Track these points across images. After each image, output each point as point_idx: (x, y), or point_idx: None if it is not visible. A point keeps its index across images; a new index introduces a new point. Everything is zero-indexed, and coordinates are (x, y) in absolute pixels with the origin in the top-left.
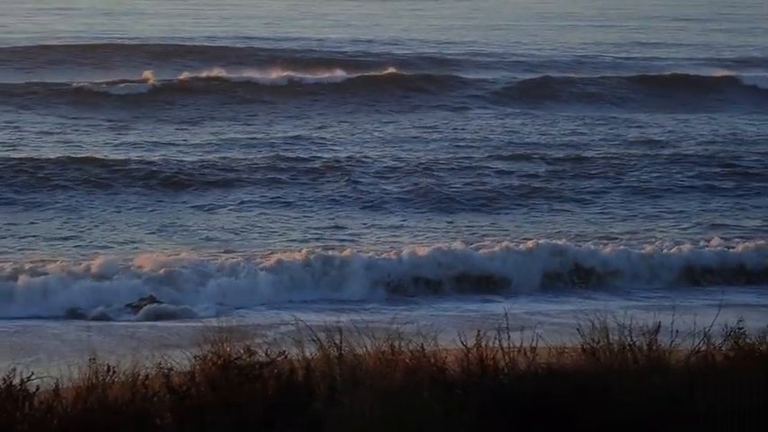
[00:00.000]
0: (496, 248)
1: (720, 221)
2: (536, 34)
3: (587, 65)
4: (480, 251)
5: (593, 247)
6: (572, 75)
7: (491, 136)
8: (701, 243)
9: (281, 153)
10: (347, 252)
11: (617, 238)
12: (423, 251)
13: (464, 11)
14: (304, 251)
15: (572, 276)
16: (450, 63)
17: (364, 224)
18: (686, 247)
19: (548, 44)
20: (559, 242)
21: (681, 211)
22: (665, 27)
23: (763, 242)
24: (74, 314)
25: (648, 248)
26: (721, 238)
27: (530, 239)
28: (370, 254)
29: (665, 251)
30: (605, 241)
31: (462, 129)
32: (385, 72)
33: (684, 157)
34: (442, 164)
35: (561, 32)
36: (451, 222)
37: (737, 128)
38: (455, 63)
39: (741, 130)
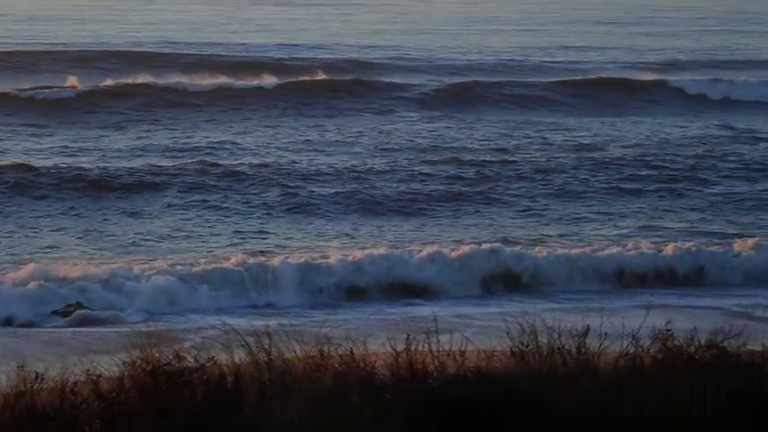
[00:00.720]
0: (425, 253)
1: (648, 224)
2: (462, 38)
3: (513, 68)
4: (409, 255)
5: (521, 250)
6: (499, 78)
7: (418, 140)
8: (630, 245)
9: (208, 158)
10: (275, 257)
11: (545, 241)
12: (352, 256)
13: (390, 15)
14: (232, 257)
15: (501, 280)
16: (376, 67)
17: (292, 229)
18: (615, 249)
19: (474, 48)
20: (488, 245)
21: (608, 214)
22: (589, 31)
23: (690, 244)
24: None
25: (576, 251)
26: (649, 240)
27: (458, 243)
28: (299, 259)
29: (593, 254)
30: (533, 244)
31: (389, 133)
32: (312, 77)
33: (612, 160)
34: (370, 168)
35: (486, 36)
36: (380, 227)
37: (665, 131)
38: (382, 67)
39: (668, 133)
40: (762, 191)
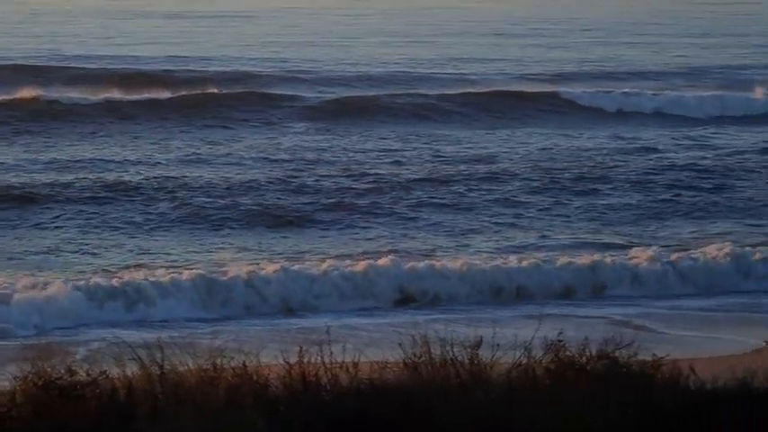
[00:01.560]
0: (323, 266)
1: (540, 235)
2: (351, 50)
3: (404, 80)
4: (302, 268)
5: (412, 263)
6: (390, 90)
7: (309, 152)
8: (520, 257)
9: (97, 171)
10: (166, 270)
11: (437, 254)
12: (245, 270)
13: (279, 27)
14: (123, 270)
15: (394, 292)
16: (267, 79)
17: (183, 242)
18: (509, 260)
19: (363, 60)
20: (385, 259)
21: (501, 224)
22: (478, 43)
23: (583, 255)
24: None
25: (460, 263)
26: (541, 252)
27: (350, 256)
28: (191, 272)
29: (484, 266)
30: (425, 256)
31: (280, 145)
32: (202, 89)
33: (504, 172)
34: (262, 180)
35: (375, 48)
36: (273, 238)
37: (556, 142)
38: (272, 79)
39: (559, 145)
40: (652, 201)
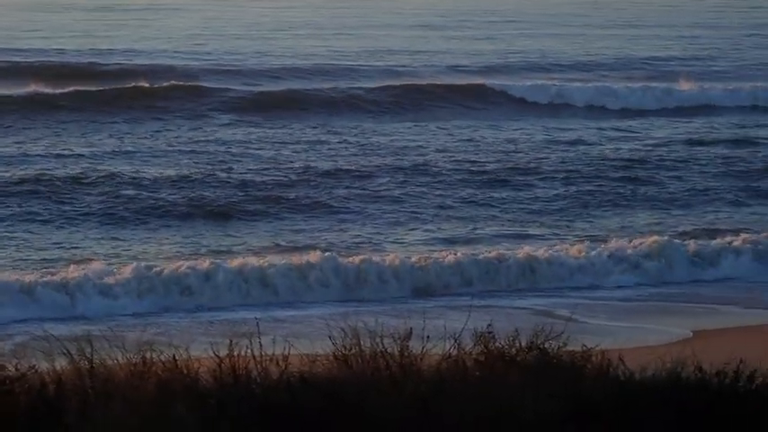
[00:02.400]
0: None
1: (466, 228)
2: (277, 43)
3: (330, 73)
4: (236, 262)
5: (340, 255)
6: (317, 83)
7: (235, 145)
8: (448, 249)
9: (21, 166)
10: (94, 264)
11: (360, 246)
12: (176, 264)
13: (202, 20)
14: (50, 266)
15: (323, 285)
16: (192, 72)
17: (111, 237)
18: (440, 254)
19: (289, 52)
20: (316, 254)
21: (428, 216)
22: (405, 35)
23: (508, 247)
24: None
25: (392, 258)
26: (468, 245)
27: (279, 247)
28: (121, 266)
29: (414, 260)
30: (352, 249)
31: (205, 140)
32: (128, 83)
33: (430, 165)
34: (188, 174)
35: (301, 41)
36: (201, 233)
37: (484, 134)
38: (197, 72)
39: (487, 137)
40: (578, 192)
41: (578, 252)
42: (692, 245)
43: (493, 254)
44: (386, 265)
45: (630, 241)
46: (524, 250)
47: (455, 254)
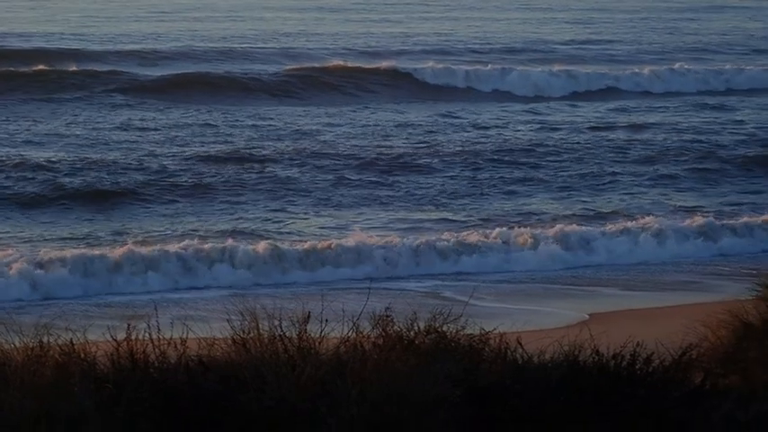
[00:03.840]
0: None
1: (364, 213)
2: (173, 26)
3: (227, 56)
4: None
5: (237, 240)
6: (215, 67)
7: (128, 131)
8: (345, 235)
9: None
10: None
11: (252, 232)
12: (78, 250)
13: (97, 3)
14: None
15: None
16: (86, 56)
17: (14, 223)
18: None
19: (186, 36)
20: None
21: (323, 202)
22: (304, 18)
23: (406, 233)
24: None
25: (289, 243)
26: (365, 231)
27: (167, 230)
28: (15, 252)
29: (310, 244)
30: (241, 235)
31: (100, 124)
32: (20, 68)
33: (335, 151)
34: (83, 159)
35: (198, 24)
36: (97, 217)
37: (393, 119)
38: (91, 56)
39: (390, 121)
40: (477, 179)
41: (474, 237)
42: (588, 229)
43: (389, 238)
44: (284, 249)
45: (527, 226)
46: (424, 238)
47: (351, 238)
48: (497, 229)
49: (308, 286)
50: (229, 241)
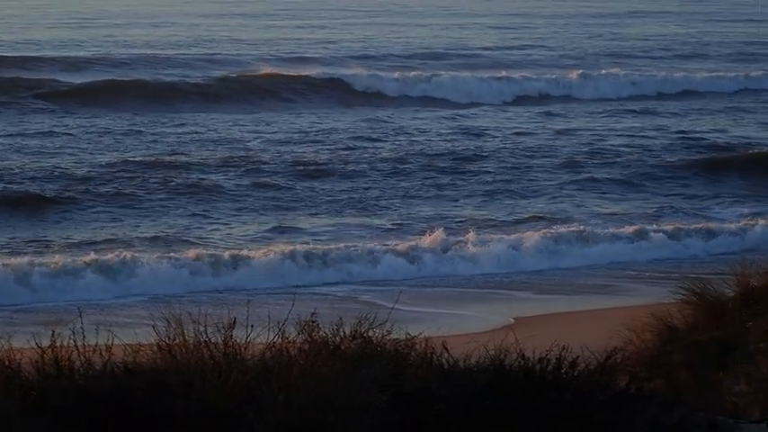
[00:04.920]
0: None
1: (284, 217)
2: (93, 32)
3: (160, 63)
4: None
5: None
6: (139, 74)
7: (49, 138)
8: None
9: None
10: None
11: (175, 239)
12: None
13: (17, 10)
14: None
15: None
16: (12, 63)
17: None
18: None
19: (110, 42)
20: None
21: (241, 210)
22: (228, 24)
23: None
24: None
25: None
26: (289, 235)
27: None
28: None
29: (231, 252)
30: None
31: (20, 131)
32: None
33: (257, 158)
34: (4, 169)
35: (120, 30)
36: (13, 225)
37: (320, 125)
38: (17, 63)
39: (323, 127)
40: (402, 185)
41: (401, 242)
42: (511, 235)
43: (310, 245)
44: (207, 256)
45: (448, 233)
46: (341, 245)
47: (275, 246)
48: (427, 235)
49: (232, 292)
50: (152, 249)
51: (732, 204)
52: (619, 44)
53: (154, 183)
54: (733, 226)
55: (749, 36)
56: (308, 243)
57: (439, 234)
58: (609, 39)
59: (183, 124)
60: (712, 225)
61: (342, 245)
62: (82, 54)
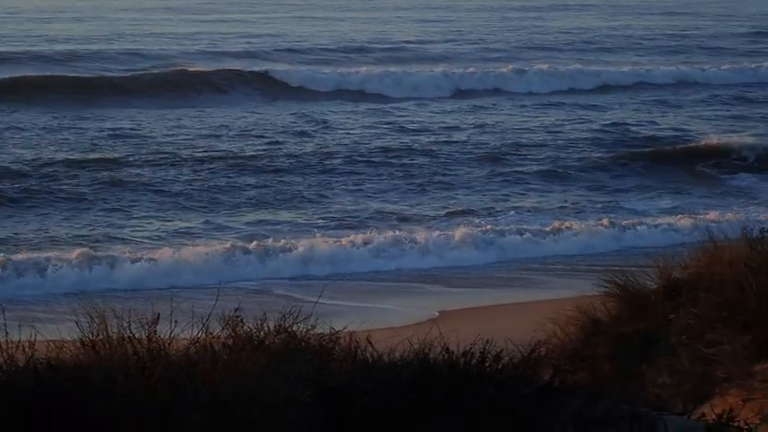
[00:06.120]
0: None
1: (209, 219)
2: (19, 28)
3: (83, 58)
4: None
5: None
6: (60, 70)
7: None
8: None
9: None
10: None
11: (95, 236)
12: None
13: None
14: None
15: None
16: None
17: None
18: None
19: (32, 38)
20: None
21: (163, 208)
22: (157, 18)
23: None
24: None
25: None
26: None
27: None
28: None
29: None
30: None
31: None
32: None
33: (180, 152)
34: None
35: (46, 25)
36: None
37: (246, 120)
38: None
39: (249, 122)
40: (328, 180)
41: (329, 240)
42: (432, 229)
43: (237, 241)
44: (130, 254)
45: (372, 227)
46: (271, 237)
47: (202, 241)
48: (353, 229)
49: (157, 289)
50: (73, 246)
51: (654, 198)
52: (542, 37)
53: (76, 179)
54: (656, 220)
55: (671, 29)
56: (233, 238)
57: (368, 231)
58: (532, 32)
59: (105, 120)
60: (635, 218)
61: (268, 240)
62: (2, 49)
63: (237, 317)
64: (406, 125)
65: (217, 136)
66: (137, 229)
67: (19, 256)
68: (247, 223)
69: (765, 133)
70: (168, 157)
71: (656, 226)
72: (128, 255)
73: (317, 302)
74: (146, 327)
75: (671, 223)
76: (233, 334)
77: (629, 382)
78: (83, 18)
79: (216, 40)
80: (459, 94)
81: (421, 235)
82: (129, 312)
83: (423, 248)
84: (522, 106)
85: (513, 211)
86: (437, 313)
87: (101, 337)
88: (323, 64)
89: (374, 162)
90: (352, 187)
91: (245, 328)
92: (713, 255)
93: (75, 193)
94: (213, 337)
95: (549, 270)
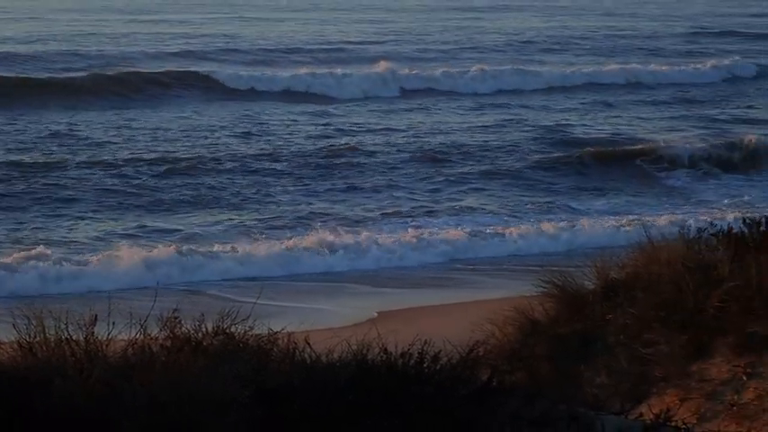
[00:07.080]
0: None
1: (146, 222)
2: None
3: (23, 60)
4: None
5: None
6: (10, 72)
7: None
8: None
9: None
10: None
11: (32, 240)
12: None
13: None
14: None
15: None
16: None
17: None
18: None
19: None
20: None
21: (102, 211)
22: (98, 19)
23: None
24: None
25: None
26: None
27: None
28: None
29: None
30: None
31: None
32: None
33: (117, 155)
34: None
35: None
36: None
37: (184, 122)
38: None
39: (188, 124)
40: (264, 181)
41: (268, 242)
42: (369, 231)
43: (175, 244)
44: (68, 257)
45: (312, 229)
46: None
47: (141, 244)
48: (292, 232)
49: (94, 291)
50: (11, 249)
51: (593, 198)
52: (482, 37)
53: (13, 182)
54: (595, 219)
55: (609, 29)
56: (171, 240)
57: (307, 232)
58: (472, 32)
59: (42, 122)
60: (574, 218)
61: (207, 241)
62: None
63: (175, 318)
64: (347, 126)
65: (157, 138)
66: (74, 230)
67: None
68: (186, 224)
69: (703, 133)
70: (108, 159)
71: (594, 226)
72: (64, 256)
73: (255, 303)
74: (83, 328)
75: (609, 223)
76: (171, 335)
77: (567, 382)
78: (19, 18)
79: (155, 42)
80: (403, 94)
81: (360, 235)
82: (66, 314)
83: (361, 249)
84: (464, 107)
85: (452, 212)
86: (375, 314)
87: (38, 338)
88: (264, 65)
89: (314, 163)
90: (291, 188)
91: (184, 329)
92: (651, 255)
93: (12, 195)
94: (151, 339)
95: (487, 271)
